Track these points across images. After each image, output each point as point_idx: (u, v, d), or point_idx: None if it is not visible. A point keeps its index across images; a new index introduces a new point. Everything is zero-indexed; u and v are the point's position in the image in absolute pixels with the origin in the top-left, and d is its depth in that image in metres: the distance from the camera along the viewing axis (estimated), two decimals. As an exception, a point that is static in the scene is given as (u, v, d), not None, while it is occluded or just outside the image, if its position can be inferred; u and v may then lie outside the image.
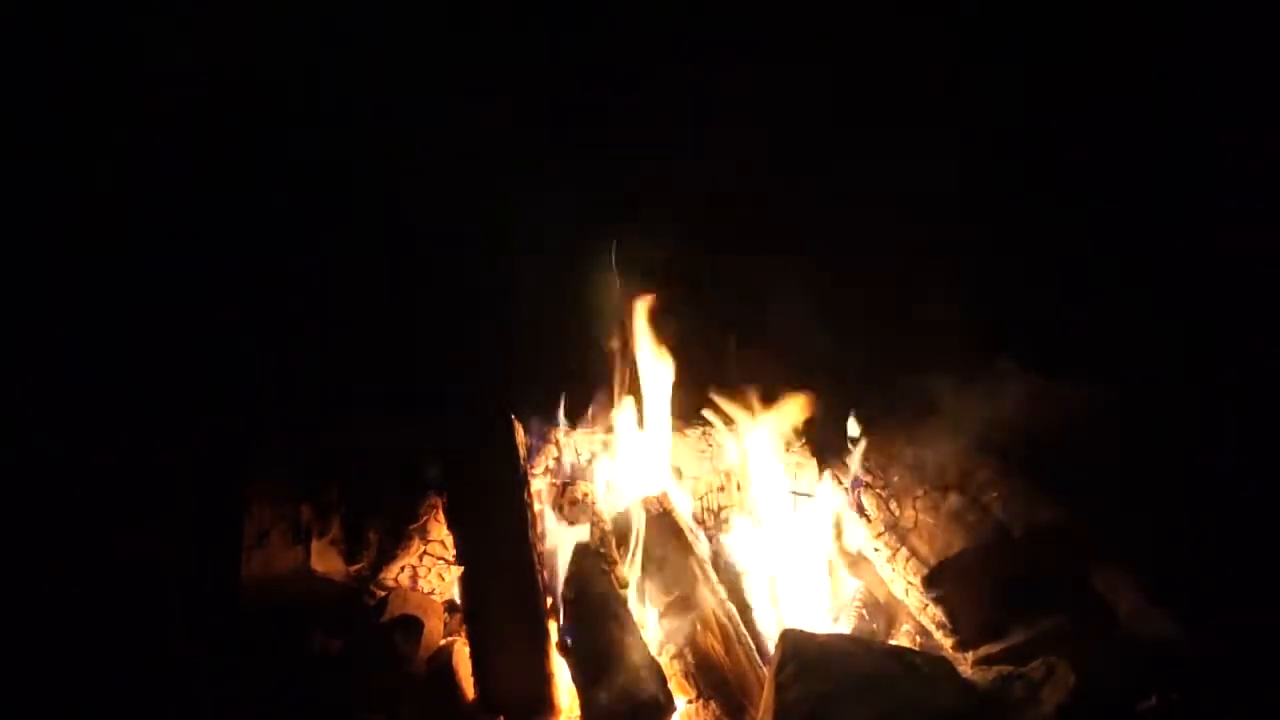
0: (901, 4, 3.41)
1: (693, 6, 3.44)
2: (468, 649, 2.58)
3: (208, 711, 2.46)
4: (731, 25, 3.45)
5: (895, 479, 2.95)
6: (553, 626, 2.54)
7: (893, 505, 2.89)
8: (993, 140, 3.32)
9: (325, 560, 2.88)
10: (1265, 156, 3.00)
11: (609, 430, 3.17)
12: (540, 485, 3.01)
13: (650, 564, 2.74)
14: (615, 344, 3.13)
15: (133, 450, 2.93)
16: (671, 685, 2.38)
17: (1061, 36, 3.35)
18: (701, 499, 3.15)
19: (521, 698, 2.45)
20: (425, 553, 2.93)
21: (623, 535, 2.82)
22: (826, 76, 3.38)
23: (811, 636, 2.33)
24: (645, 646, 2.45)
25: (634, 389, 3.12)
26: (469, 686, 2.54)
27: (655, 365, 3.08)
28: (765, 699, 2.23)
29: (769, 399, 3.05)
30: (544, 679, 2.46)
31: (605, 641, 2.42)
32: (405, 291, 3.47)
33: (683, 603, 2.61)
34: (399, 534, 2.94)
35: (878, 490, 2.94)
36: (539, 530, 2.76)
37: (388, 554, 2.92)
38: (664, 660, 2.50)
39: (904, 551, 2.79)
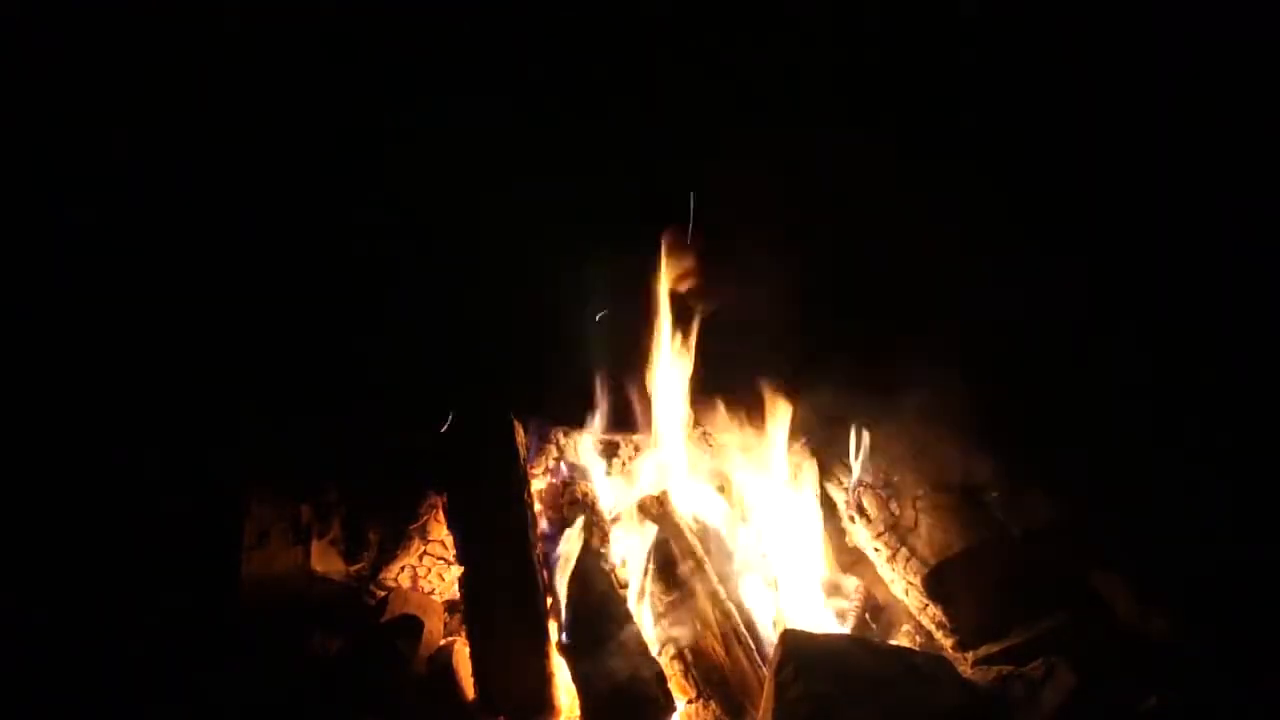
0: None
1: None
2: (468, 649, 2.58)
3: (208, 711, 2.46)
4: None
5: (895, 479, 2.95)
6: (553, 626, 2.54)
7: (893, 505, 2.89)
8: (985, 141, 3.33)
9: (325, 560, 2.88)
10: (1261, 155, 3.00)
11: (610, 430, 3.17)
12: (540, 485, 3.01)
13: (650, 564, 2.74)
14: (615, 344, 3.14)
15: (133, 451, 2.93)
16: (671, 685, 2.39)
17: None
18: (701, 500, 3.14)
19: (521, 698, 2.45)
20: (425, 553, 2.93)
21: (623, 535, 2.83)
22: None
23: (811, 636, 2.33)
24: (645, 646, 2.45)
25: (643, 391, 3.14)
26: (469, 686, 2.54)
27: (668, 367, 3.09)
28: (765, 699, 2.23)
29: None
30: (544, 679, 2.46)
31: (605, 641, 2.43)
32: (406, 292, 3.46)
33: (683, 603, 2.61)
34: (399, 534, 2.94)
35: (878, 490, 2.94)
36: (539, 530, 2.76)
37: (388, 554, 2.92)
38: (664, 660, 2.50)
39: (904, 551, 2.79)
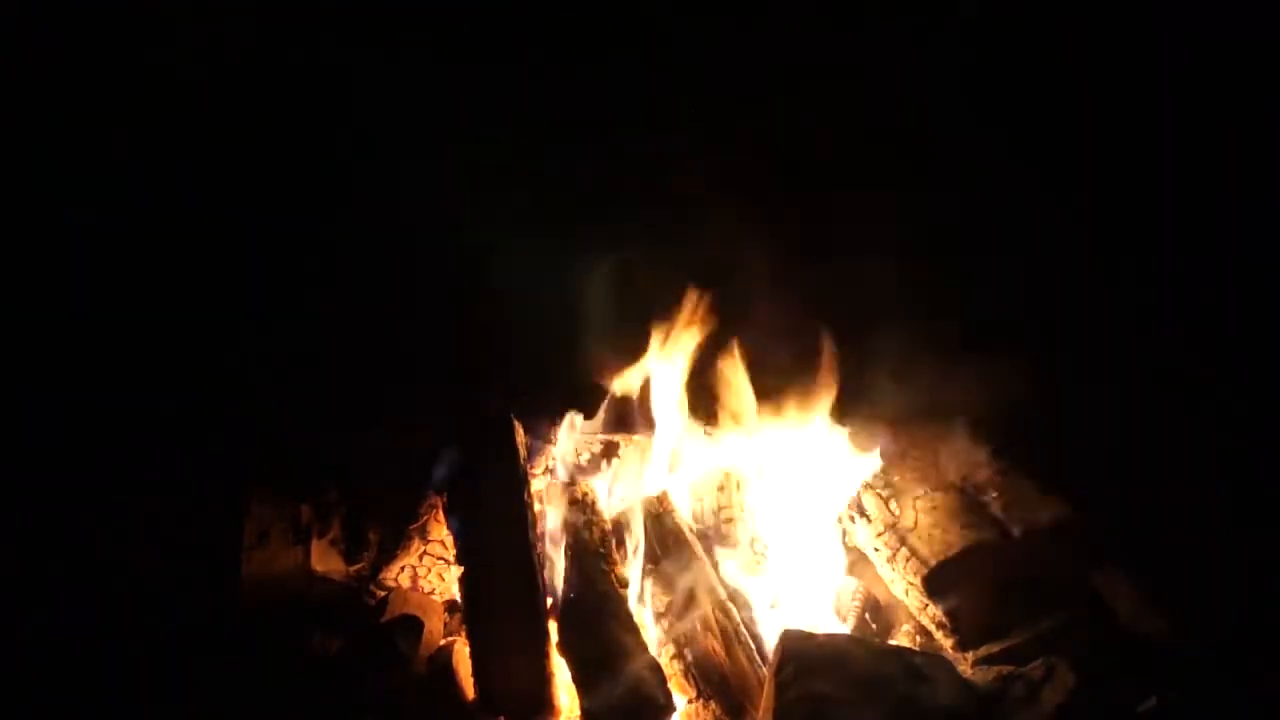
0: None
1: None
2: (468, 649, 2.59)
3: (208, 711, 2.46)
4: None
5: (895, 479, 2.95)
6: (553, 626, 2.54)
7: (893, 505, 2.89)
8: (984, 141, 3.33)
9: (325, 560, 2.88)
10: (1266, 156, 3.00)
11: (610, 430, 3.18)
12: (540, 485, 3.01)
13: (650, 564, 2.75)
14: (616, 344, 3.14)
15: (133, 450, 2.93)
16: (671, 685, 2.39)
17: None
18: (701, 499, 3.15)
19: (521, 698, 2.45)
20: (425, 553, 2.93)
21: (623, 535, 2.82)
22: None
23: (811, 636, 2.33)
24: (645, 646, 2.45)
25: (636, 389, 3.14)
26: (469, 686, 2.54)
27: (661, 365, 3.09)
28: (765, 699, 2.23)
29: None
30: (544, 679, 2.46)
31: (605, 641, 2.43)
32: (406, 291, 3.47)
33: (683, 603, 2.61)
34: (399, 534, 2.94)
35: (878, 490, 2.94)
36: (539, 530, 2.76)
37: (388, 554, 2.92)
38: (664, 660, 2.50)
39: (904, 551, 2.78)
